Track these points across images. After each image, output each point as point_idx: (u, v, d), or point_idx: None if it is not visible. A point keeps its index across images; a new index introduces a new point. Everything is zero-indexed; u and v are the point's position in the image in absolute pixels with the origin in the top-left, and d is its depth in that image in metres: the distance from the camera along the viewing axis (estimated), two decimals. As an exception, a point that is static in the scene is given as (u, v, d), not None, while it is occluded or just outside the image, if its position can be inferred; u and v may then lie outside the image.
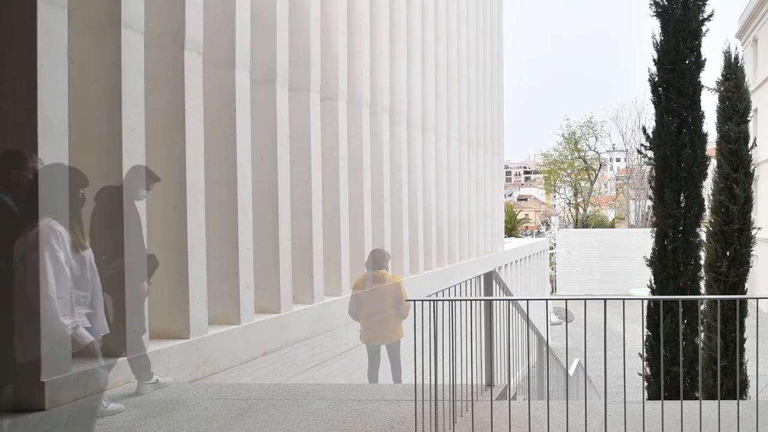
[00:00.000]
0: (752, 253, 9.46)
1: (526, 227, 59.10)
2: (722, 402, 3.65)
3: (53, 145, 3.93)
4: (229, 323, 5.87)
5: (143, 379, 4.55)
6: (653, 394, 8.21)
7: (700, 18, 8.40)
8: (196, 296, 5.37)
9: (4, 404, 3.75)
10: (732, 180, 9.53)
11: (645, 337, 8.21)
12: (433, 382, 3.41)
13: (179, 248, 5.25)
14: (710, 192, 9.78)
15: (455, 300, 3.76)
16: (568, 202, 51.29)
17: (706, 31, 8.45)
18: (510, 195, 71.95)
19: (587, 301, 3.68)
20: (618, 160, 57.03)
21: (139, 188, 4.53)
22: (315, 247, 7.43)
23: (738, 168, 9.59)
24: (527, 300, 3.88)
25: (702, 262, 8.57)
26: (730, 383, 8.29)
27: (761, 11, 26.30)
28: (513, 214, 51.06)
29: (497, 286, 4.82)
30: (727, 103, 9.88)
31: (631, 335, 9.23)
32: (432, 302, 3.44)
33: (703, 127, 8.41)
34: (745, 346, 9.27)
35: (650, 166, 8.83)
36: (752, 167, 9.89)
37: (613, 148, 49.21)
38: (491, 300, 4.48)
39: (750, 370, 9.01)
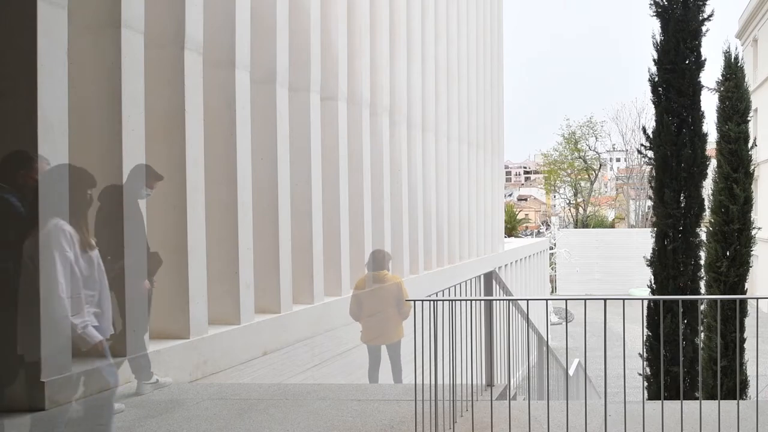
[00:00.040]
0: (752, 253, 9.46)
1: (526, 227, 59.09)
2: (722, 402, 3.65)
3: (53, 145, 3.92)
4: (229, 323, 5.87)
5: (143, 379, 4.55)
6: (653, 394, 8.21)
7: (700, 18, 8.40)
8: (196, 296, 5.37)
9: (4, 404, 3.75)
10: (732, 180, 9.53)
11: (645, 337, 8.20)
12: (433, 382, 3.41)
13: (179, 248, 5.25)
14: (710, 192, 9.77)
15: (455, 300, 3.76)
16: (568, 202, 51.29)
17: (706, 31, 8.45)
18: (510, 195, 71.94)
19: (587, 301, 3.68)
20: (618, 160, 57.03)
21: (142, 187, 4.54)
22: (315, 247, 7.43)
23: (738, 168, 9.59)
24: (527, 300, 3.88)
25: (702, 262, 8.57)
26: (730, 383, 8.28)
27: (761, 11, 26.29)
28: (513, 214, 51.06)
29: (497, 286, 4.82)
30: (727, 103, 9.87)
31: (631, 335, 9.23)
32: (432, 302, 3.44)
33: (703, 127, 8.41)
34: (745, 346, 9.27)
35: (650, 166, 8.82)
36: (752, 167, 9.89)
37: (613, 148, 49.23)
38: (491, 300, 4.48)
39: (750, 370, 9.00)
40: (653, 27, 11.16)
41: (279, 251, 6.70)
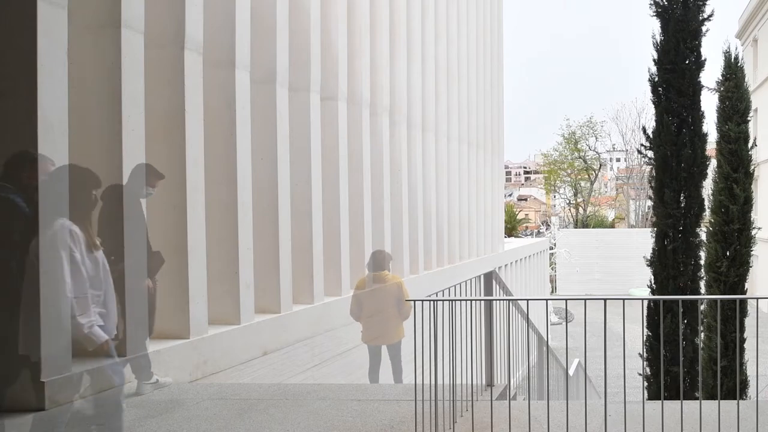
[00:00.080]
0: (752, 253, 9.46)
1: (526, 227, 59.09)
2: (722, 402, 3.65)
3: (53, 145, 3.92)
4: (229, 323, 5.87)
5: (143, 379, 4.55)
6: (653, 394, 8.21)
7: (700, 18, 8.40)
8: (196, 296, 5.37)
9: (4, 404, 3.75)
10: (732, 180, 9.53)
11: (645, 337, 8.21)
12: (433, 382, 3.41)
13: (179, 248, 5.25)
14: (710, 192, 9.77)
15: (455, 300, 3.76)
16: (568, 202, 51.29)
17: (706, 31, 8.46)
18: (510, 195, 71.94)
19: (587, 301, 3.68)
20: (618, 160, 57.03)
21: (143, 186, 4.54)
22: (315, 247, 7.43)
23: (738, 168, 9.59)
24: (527, 300, 3.89)
25: (702, 262, 8.57)
26: (730, 383, 8.28)
27: (761, 11, 26.30)
28: (513, 214, 51.06)
29: (497, 286, 4.82)
30: (727, 103, 9.87)
31: (631, 335, 9.23)
32: (432, 302, 3.44)
33: (703, 127, 8.41)
34: (745, 346, 9.27)
35: (650, 166, 8.82)
36: (752, 167, 9.89)
37: (613, 148, 49.24)
38: (491, 300, 4.48)
39: (750, 370, 9.00)
40: (653, 27, 11.17)
41: (279, 251, 6.70)
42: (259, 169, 6.56)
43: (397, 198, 10.18)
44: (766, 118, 24.98)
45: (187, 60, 5.36)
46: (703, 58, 8.41)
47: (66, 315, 3.81)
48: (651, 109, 8.90)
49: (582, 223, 45.65)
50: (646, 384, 8.40)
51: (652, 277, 8.46)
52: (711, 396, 8.56)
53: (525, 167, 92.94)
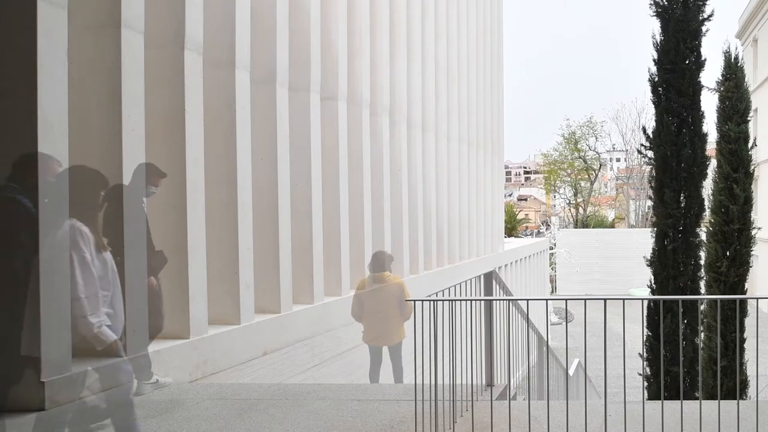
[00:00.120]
0: (752, 253, 9.46)
1: (526, 227, 59.09)
2: (722, 402, 3.65)
3: (53, 145, 3.92)
4: (229, 323, 5.87)
5: (143, 379, 4.55)
6: (653, 394, 8.21)
7: (700, 18, 8.40)
8: (196, 296, 5.37)
9: (4, 404, 3.75)
10: (732, 180, 9.52)
11: (645, 337, 8.21)
12: (433, 382, 3.41)
13: (179, 248, 5.26)
14: (710, 192, 9.77)
15: (455, 300, 3.76)
16: (568, 202, 51.29)
17: (706, 31, 8.45)
18: (510, 195, 71.94)
19: (587, 301, 3.68)
20: (618, 160, 57.04)
21: (147, 185, 4.54)
22: (315, 247, 7.43)
23: (738, 168, 9.59)
24: (527, 300, 3.89)
25: (702, 262, 8.57)
26: (730, 383, 8.28)
27: (761, 11, 26.30)
28: (513, 214, 51.06)
29: (497, 286, 4.82)
30: (727, 103, 9.87)
31: (631, 335, 9.23)
32: (432, 302, 3.44)
33: (703, 127, 8.41)
34: (745, 346, 9.27)
35: (650, 166, 8.82)
36: (752, 167, 9.89)
37: (613, 148, 49.24)
38: (491, 300, 4.48)
39: (750, 370, 9.00)
40: (653, 27, 11.18)
41: (279, 251, 6.70)
42: (259, 169, 6.56)
43: (397, 198, 10.18)
44: (766, 118, 24.98)
45: (187, 60, 5.36)
46: (703, 58, 8.41)
47: (66, 315, 3.82)
48: (651, 109, 8.91)
49: (582, 223, 45.65)
50: (646, 384, 8.40)
51: (652, 277, 8.46)
52: (711, 396, 8.56)
53: (525, 167, 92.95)
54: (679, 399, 3.93)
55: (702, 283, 8.71)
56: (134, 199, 4.52)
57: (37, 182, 3.73)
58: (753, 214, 9.79)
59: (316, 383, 6.16)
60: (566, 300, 3.85)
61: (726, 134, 9.75)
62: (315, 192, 7.49)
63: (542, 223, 66.24)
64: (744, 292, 9.39)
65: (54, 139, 3.94)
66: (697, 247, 8.33)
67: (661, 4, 8.48)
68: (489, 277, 4.60)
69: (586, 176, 48.77)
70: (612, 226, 47.39)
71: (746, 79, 10.15)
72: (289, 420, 3.98)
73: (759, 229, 9.87)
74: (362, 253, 8.72)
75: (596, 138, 47.74)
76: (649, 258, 8.50)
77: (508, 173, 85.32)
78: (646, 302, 7.61)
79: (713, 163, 9.28)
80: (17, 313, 3.75)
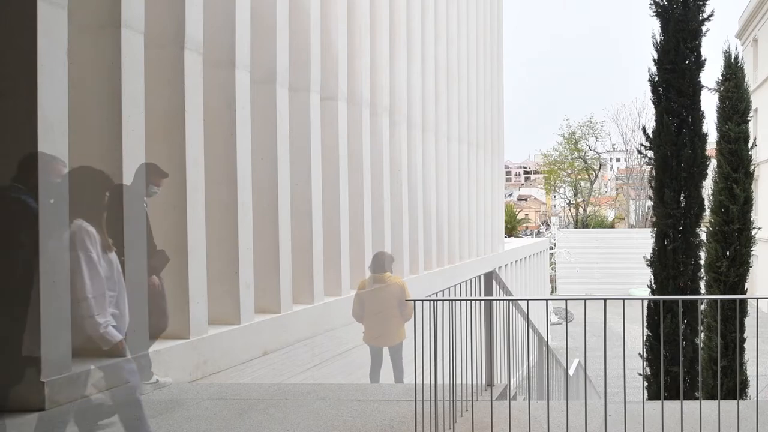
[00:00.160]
0: (752, 253, 9.45)
1: (526, 227, 59.09)
2: (722, 402, 3.65)
3: (53, 145, 3.93)
4: (229, 323, 5.87)
5: (143, 379, 4.55)
6: (653, 394, 8.21)
7: (700, 18, 8.39)
8: (196, 296, 5.37)
9: (4, 404, 3.75)
10: (732, 180, 9.52)
11: (645, 337, 8.20)
12: (433, 382, 3.41)
13: (179, 248, 5.25)
14: (710, 192, 9.77)
15: (455, 300, 3.76)
16: (568, 202, 51.30)
17: (706, 31, 8.45)
18: (510, 195, 71.95)
19: (587, 301, 3.68)
20: (618, 160, 57.03)
21: (148, 185, 4.55)
22: (315, 247, 7.43)
23: (738, 168, 9.58)
24: (527, 300, 3.89)
25: (702, 262, 8.57)
26: (730, 383, 8.28)
27: (761, 11, 26.30)
28: (513, 214, 51.06)
29: (497, 286, 4.82)
30: (727, 103, 9.87)
31: (631, 335, 9.21)
32: (432, 302, 3.44)
33: (703, 127, 8.41)
34: (745, 346, 9.26)
35: (650, 166, 8.82)
36: (752, 167, 9.88)
37: (613, 148, 49.24)
38: (491, 300, 4.48)
39: (750, 370, 9.00)
40: (653, 27, 11.16)
41: (279, 251, 6.70)
42: (259, 169, 6.56)
43: (397, 198, 10.18)
44: (766, 118, 24.98)
45: (187, 60, 5.36)
46: (703, 58, 8.40)
47: (66, 315, 3.82)
48: (651, 109, 8.90)
49: (582, 223, 45.65)
50: (646, 384, 8.40)
51: (652, 277, 8.45)
52: (711, 396, 8.55)
53: (525, 167, 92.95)
54: (679, 399, 3.93)
55: (702, 283, 8.70)
56: (136, 199, 4.52)
57: (41, 182, 3.74)
58: (753, 214, 9.78)
59: (316, 383, 6.16)
60: (566, 300, 3.85)
61: (726, 134, 9.74)
62: (315, 192, 7.49)
63: (542, 223, 66.25)
64: (744, 292, 9.39)
65: (54, 139, 3.94)
66: (697, 247, 8.33)
67: (661, 4, 8.47)
68: (489, 277, 4.60)
69: (586, 176, 48.77)
70: (612, 226, 47.40)
71: (746, 79, 10.15)
72: (289, 420, 3.98)
73: (759, 229, 9.87)
74: (362, 253, 8.71)
75: (596, 138, 47.79)
76: (649, 258, 8.50)
77: (508, 173, 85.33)
78: (646, 302, 7.61)
79: (713, 163, 9.28)
80: (17, 313, 3.75)
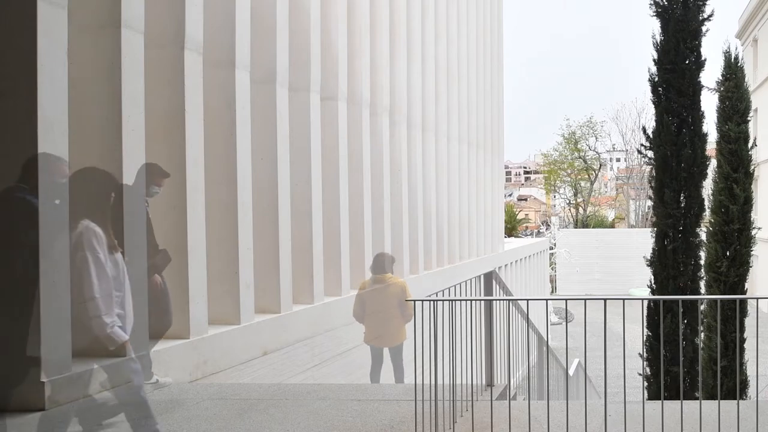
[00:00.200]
0: (752, 253, 9.45)
1: (526, 227, 59.10)
2: (722, 402, 3.65)
3: (53, 145, 3.93)
4: (229, 323, 5.87)
5: (144, 379, 4.55)
6: (653, 394, 8.21)
7: (700, 18, 8.39)
8: (196, 296, 5.37)
9: (4, 404, 3.75)
10: (732, 180, 9.52)
11: (645, 337, 8.20)
12: (433, 382, 3.41)
13: (179, 248, 5.25)
14: (710, 192, 9.77)
15: (455, 300, 3.76)
16: (568, 202, 51.30)
17: (706, 31, 8.45)
18: (510, 195, 71.95)
19: (587, 301, 3.68)
20: (618, 160, 57.04)
21: (150, 185, 4.55)
22: (315, 247, 7.43)
23: (738, 168, 9.58)
24: (527, 300, 3.88)
25: (702, 262, 8.57)
26: (730, 383, 8.28)
27: (761, 11, 26.30)
28: (513, 214, 51.06)
29: (497, 286, 4.82)
30: (727, 103, 9.87)
31: (631, 335, 9.21)
32: (432, 302, 3.44)
33: (703, 127, 8.41)
34: (745, 346, 9.26)
35: (650, 166, 8.82)
36: (752, 167, 9.88)
37: (613, 148, 49.24)
38: (491, 300, 4.48)
39: (750, 370, 9.00)
40: (653, 27, 11.16)
41: (279, 251, 6.70)
42: (259, 169, 6.56)
43: (397, 198, 10.17)
44: (766, 118, 24.98)
45: (187, 60, 5.36)
46: (703, 58, 8.41)
47: (66, 315, 3.82)
48: (651, 109, 8.90)
49: (582, 223, 45.65)
50: (646, 384, 8.40)
51: (652, 277, 8.45)
52: (711, 396, 8.55)
53: (525, 167, 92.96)
54: (679, 399, 3.93)
55: (702, 283, 8.70)
56: (137, 199, 4.52)
57: (43, 183, 3.75)
58: (753, 214, 9.78)
59: (316, 383, 6.16)
60: (566, 300, 3.85)
61: (726, 134, 9.74)
62: (315, 192, 7.49)
63: (542, 223, 66.26)
64: (744, 292, 9.39)
65: (54, 139, 3.94)
66: (697, 247, 8.33)
67: (661, 4, 8.48)
68: (489, 277, 4.60)
69: (586, 176, 48.78)
70: (612, 226, 47.40)
71: (746, 79, 10.15)
72: (289, 420, 3.98)
73: (759, 229, 9.87)
74: (362, 254, 8.72)
75: (596, 138, 47.79)
76: (649, 258, 8.50)
77: (508, 173, 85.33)
78: (646, 302, 7.61)
79: (713, 163, 9.28)
80: (17, 313, 3.75)
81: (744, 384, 8.82)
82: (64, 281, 3.81)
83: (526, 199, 78.58)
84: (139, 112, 4.78)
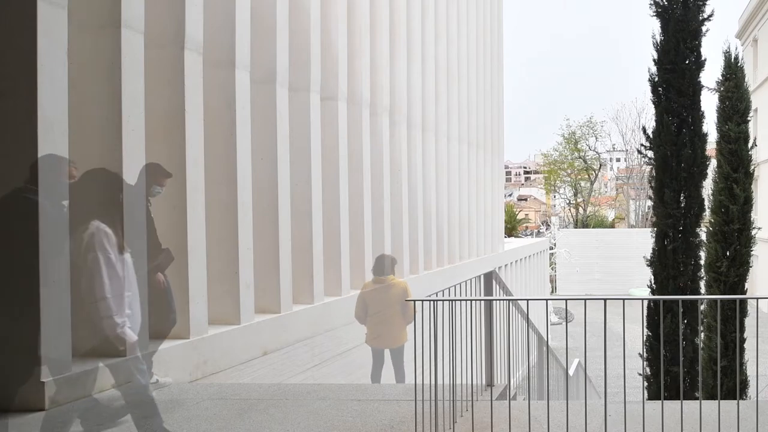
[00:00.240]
0: (752, 253, 9.45)
1: (526, 227, 59.10)
2: (722, 402, 3.65)
3: (53, 145, 3.93)
4: (229, 323, 5.87)
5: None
6: (653, 394, 8.21)
7: (700, 18, 8.39)
8: (196, 296, 5.37)
9: (5, 404, 3.75)
10: (732, 180, 9.52)
11: (645, 337, 8.20)
12: (433, 382, 3.41)
13: (179, 248, 5.25)
14: (710, 192, 9.77)
15: (455, 300, 3.76)
16: (568, 202, 51.29)
17: (706, 31, 8.45)
18: (510, 195, 71.96)
19: (587, 301, 3.68)
20: (618, 160, 57.04)
21: (152, 185, 4.56)
22: (315, 247, 7.43)
23: (738, 168, 9.59)
24: (527, 300, 3.88)
25: (702, 262, 8.57)
26: (730, 383, 8.28)
27: (761, 11, 26.30)
28: (513, 214, 51.06)
29: (497, 286, 4.82)
30: (727, 103, 9.87)
31: (631, 335, 9.22)
32: (432, 302, 3.44)
33: (703, 127, 8.41)
34: (745, 346, 9.26)
35: (650, 166, 8.82)
36: (752, 167, 9.88)
37: (613, 148, 49.24)
38: (491, 300, 4.48)
39: (750, 370, 9.00)
40: (653, 27, 11.16)
41: (279, 251, 6.70)
42: (259, 169, 6.56)
43: (397, 198, 10.17)
44: (766, 118, 24.98)
45: (187, 60, 5.36)
46: (703, 58, 8.41)
47: (66, 315, 3.82)
48: (651, 109, 8.90)
49: (582, 223, 45.65)
50: (646, 384, 8.40)
51: (652, 277, 8.45)
52: (711, 396, 8.55)
53: (525, 167, 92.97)
54: (679, 399, 3.93)
55: (702, 283, 8.70)
56: (139, 199, 4.53)
57: (46, 183, 3.75)
58: (753, 214, 9.78)
59: (316, 383, 6.16)
60: (566, 300, 3.85)
61: (726, 134, 9.74)
62: (315, 192, 7.49)
63: (542, 223, 66.26)
64: (744, 292, 9.39)
65: (54, 139, 3.94)
66: (697, 247, 8.33)
67: (661, 4, 8.48)
68: (489, 277, 4.60)
69: (586, 176, 48.77)
70: (612, 226, 47.39)
71: (746, 79, 10.15)
72: (289, 420, 3.98)
73: (759, 229, 9.87)
74: (362, 254, 8.72)
75: (596, 138, 47.79)
76: (649, 258, 8.50)
77: (508, 173, 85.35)
78: (646, 302, 7.61)
79: (713, 163, 9.28)
80: (17, 313, 3.75)
81: (744, 384, 8.82)
82: (65, 281, 3.81)
83: (526, 199, 78.59)
84: (139, 112, 4.78)
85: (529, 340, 4.99)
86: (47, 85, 3.91)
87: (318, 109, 7.60)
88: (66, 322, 3.88)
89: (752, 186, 9.83)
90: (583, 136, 47.74)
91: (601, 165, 49.91)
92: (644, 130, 8.73)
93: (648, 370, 8.39)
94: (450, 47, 12.99)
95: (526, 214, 66.82)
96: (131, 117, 4.70)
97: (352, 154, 8.67)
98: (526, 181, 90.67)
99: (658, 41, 8.46)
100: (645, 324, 7.43)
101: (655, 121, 8.51)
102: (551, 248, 30.70)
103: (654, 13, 8.53)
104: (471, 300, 4.02)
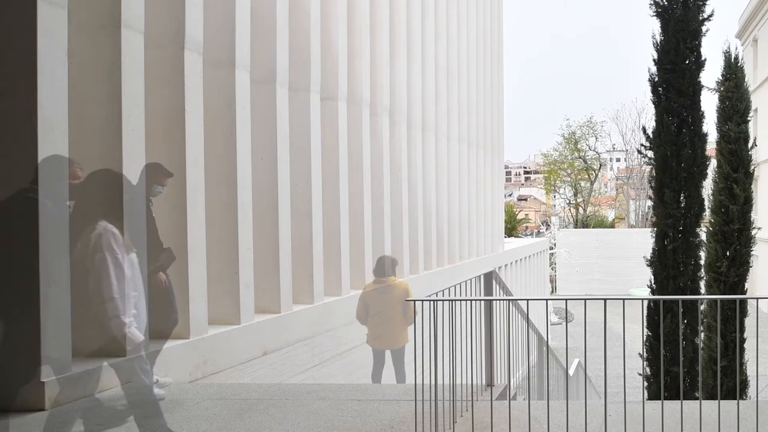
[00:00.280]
0: (752, 253, 9.45)
1: (526, 227, 59.10)
2: (722, 402, 3.64)
3: (53, 145, 3.93)
4: (229, 323, 5.87)
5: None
6: (653, 394, 8.21)
7: (700, 18, 8.39)
8: (196, 296, 5.37)
9: (5, 404, 3.75)
10: (732, 180, 9.52)
11: (645, 337, 8.20)
12: (433, 382, 3.41)
13: (179, 248, 5.25)
14: (710, 192, 9.77)
15: (455, 300, 3.76)
16: (568, 202, 51.30)
17: (706, 31, 8.45)
18: (510, 195, 71.96)
19: (587, 301, 3.68)
20: (618, 160, 57.05)
21: (153, 185, 4.56)
22: (315, 247, 7.43)
23: (738, 168, 9.59)
24: (527, 300, 3.88)
25: (702, 262, 8.57)
26: (730, 383, 8.28)
27: (761, 11, 26.30)
28: (513, 214, 51.06)
29: (497, 286, 4.82)
30: (727, 103, 9.87)
31: (631, 335, 9.22)
32: (432, 302, 3.44)
33: (703, 127, 8.41)
34: (745, 346, 9.26)
35: (650, 166, 8.82)
36: (752, 167, 9.88)
37: (613, 148, 49.25)
38: (491, 300, 4.48)
39: (750, 370, 8.99)
40: (653, 27, 11.16)
41: (279, 251, 6.70)
42: (259, 169, 6.56)
43: (397, 198, 10.17)
44: (766, 118, 24.98)
45: (187, 60, 5.36)
46: (703, 58, 8.40)
47: (66, 315, 3.83)
48: (651, 109, 8.90)
49: (582, 223, 45.65)
50: (646, 384, 8.40)
51: (652, 277, 8.45)
52: (711, 396, 8.55)
53: (525, 167, 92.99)
54: (679, 399, 3.93)
55: (702, 283, 8.70)
56: (141, 199, 4.53)
57: (47, 184, 3.76)
58: (753, 214, 9.78)
59: (316, 383, 6.16)
60: (566, 300, 3.85)
61: (726, 134, 9.74)
62: (315, 192, 7.49)
63: (542, 223, 66.27)
64: (744, 292, 9.39)
65: (54, 139, 3.94)
66: (697, 247, 8.33)
67: (661, 4, 8.47)
68: (489, 277, 4.60)
69: (586, 176, 48.78)
70: (612, 226, 47.40)
71: (746, 79, 10.15)
72: (289, 420, 3.98)
73: (759, 229, 9.87)
74: (362, 254, 8.72)
75: (596, 138, 47.80)
76: (649, 258, 8.50)
77: (508, 173, 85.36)
78: (646, 302, 7.60)
79: (713, 163, 9.28)
80: (18, 313, 3.75)
81: (744, 384, 8.82)
82: (65, 281, 3.81)
83: (526, 199, 78.60)
84: (139, 112, 4.78)
85: (529, 340, 4.99)
86: (47, 85, 3.91)
87: (318, 109, 7.60)
88: (66, 322, 3.88)
89: (752, 186, 9.83)
90: (583, 136, 47.78)
91: (601, 165, 49.92)
92: (644, 130, 8.73)
93: (648, 370, 8.39)
94: (450, 47, 12.99)
95: (526, 214, 66.83)
96: (131, 117, 4.70)
97: (352, 154, 8.67)
98: (526, 181, 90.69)
99: (658, 41, 8.46)
100: (645, 324, 7.42)
101: (655, 121, 8.51)
102: (551, 248, 30.70)
103: (654, 13, 8.53)
104: (471, 300, 4.02)
